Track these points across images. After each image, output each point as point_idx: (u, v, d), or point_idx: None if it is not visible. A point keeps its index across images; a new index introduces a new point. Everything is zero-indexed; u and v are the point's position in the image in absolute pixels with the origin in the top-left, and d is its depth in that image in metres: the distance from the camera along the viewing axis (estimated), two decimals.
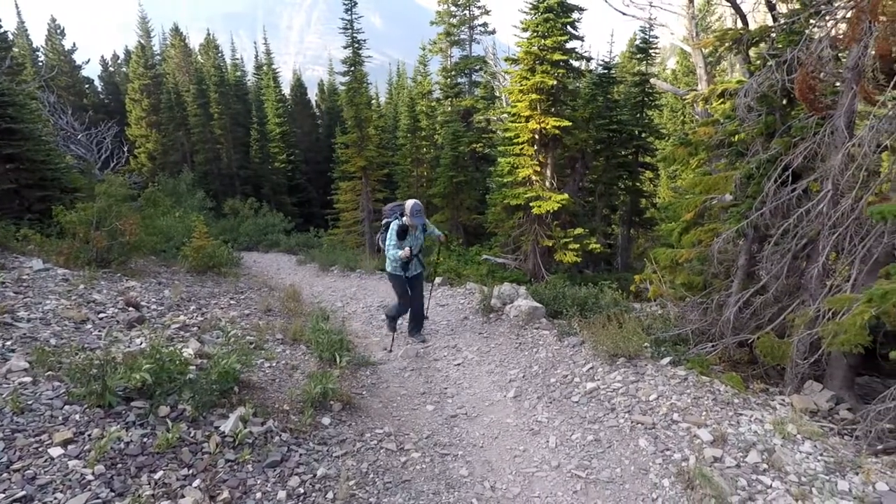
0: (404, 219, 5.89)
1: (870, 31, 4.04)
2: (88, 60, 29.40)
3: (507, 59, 13.46)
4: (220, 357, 3.84)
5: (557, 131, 11.85)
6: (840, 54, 4.72)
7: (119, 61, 37.32)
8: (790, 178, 4.86)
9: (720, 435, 3.65)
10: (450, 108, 22.28)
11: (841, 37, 4.39)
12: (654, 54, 16.31)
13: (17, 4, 28.07)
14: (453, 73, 22.14)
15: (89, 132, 19.29)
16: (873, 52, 4.15)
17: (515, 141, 12.33)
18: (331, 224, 22.61)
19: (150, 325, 5.21)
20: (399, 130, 25.62)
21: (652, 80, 15.79)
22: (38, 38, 29.28)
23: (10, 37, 21.17)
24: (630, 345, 5.08)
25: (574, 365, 5.27)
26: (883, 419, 3.71)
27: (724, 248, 5.54)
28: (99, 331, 4.69)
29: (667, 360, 5.10)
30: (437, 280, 9.32)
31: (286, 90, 36.78)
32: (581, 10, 11.99)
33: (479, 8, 21.66)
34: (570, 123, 11.95)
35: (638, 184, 16.61)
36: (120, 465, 2.82)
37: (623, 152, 16.15)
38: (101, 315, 5.16)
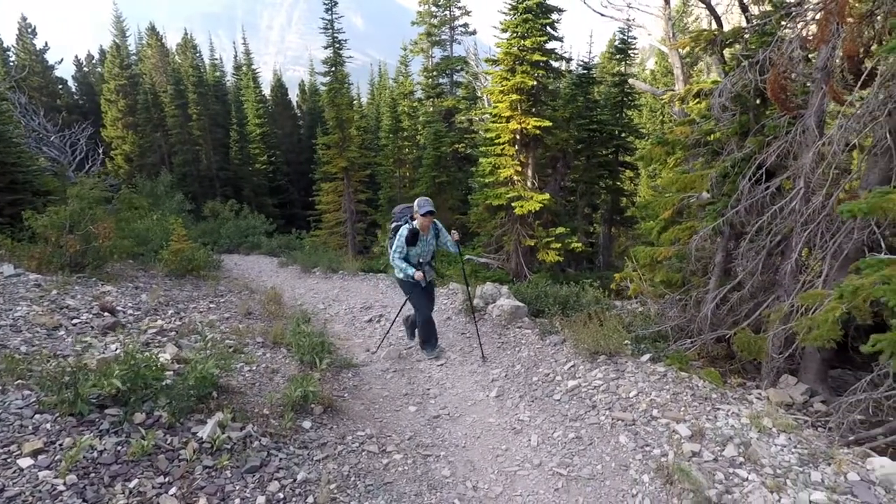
0: (414, 222, 5.40)
1: (837, 33, 4.14)
2: (61, 60, 28.80)
3: (487, 60, 13.51)
4: (197, 362, 3.78)
5: (538, 131, 11.93)
6: (810, 55, 4.83)
7: (94, 61, 36.55)
8: (764, 177, 4.96)
9: (698, 430, 3.70)
10: (432, 109, 22.32)
11: (810, 38, 4.49)
12: (632, 55, 16.53)
13: None
14: (435, 73, 22.17)
15: (63, 134, 18.84)
16: (841, 53, 4.25)
17: (497, 141, 12.39)
18: (313, 225, 22.47)
19: (126, 330, 5.10)
20: (381, 131, 25.56)
21: (630, 81, 16.00)
22: (9, 37, 28.65)
23: None
24: (611, 342, 5.13)
25: (556, 363, 5.30)
26: (854, 411, 3.81)
27: (701, 245, 5.63)
28: (72, 337, 4.58)
29: (647, 356, 5.16)
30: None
31: (266, 91, 36.45)
32: (560, 10, 12.09)
33: (459, 8, 21.72)
34: (551, 123, 12.04)
35: (618, 183, 16.81)
36: (93, 475, 2.75)
37: (603, 152, 16.34)
38: (75, 321, 5.04)
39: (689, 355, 5.29)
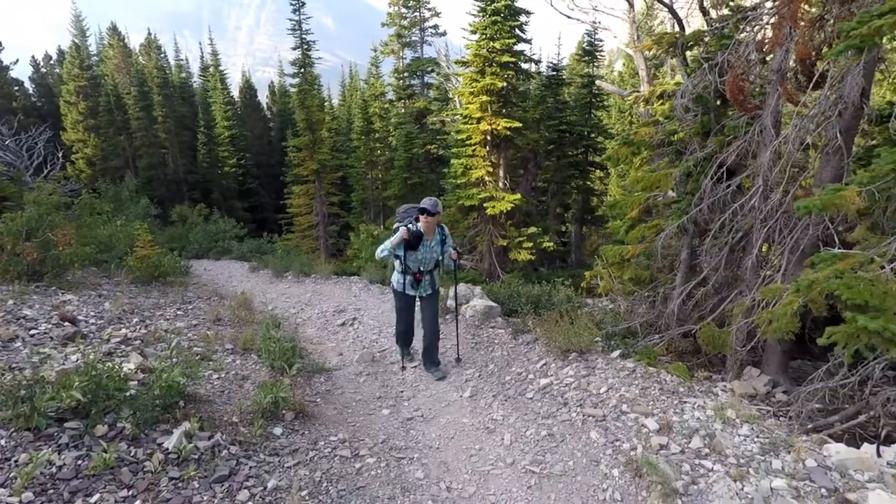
0: (419, 224, 4.77)
1: (791, 37, 4.30)
2: (17, 60, 27.61)
3: (457, 62, 13.58)
4: (162, 370, 3.68)
5: (508, 132, 12.03)
6: (766, 58, 5.01)
7: (52, 62, 35.19)
8: (725, 175, 5.11)
9: (666, 423, 3.79)
10: (403, 110, 22.27)
11: (766, 41, 4.65)
12: (600, 57, 16.83)
13: None
14: (406, 74, 22.14)
15: (19, 137, 18.08)
16: (794, 56, 4.41)
17: (468, 142, 12.44)
18: (285, 229, 22.15)
19: (88, 340, 4.94)
20: (353, 133, 25.37)
21: (598, 82, 16.29)
22: None
23: None
24: (582, 340, 5.20)
25: (528, 362, 5.34)
26: (812, 400, 3.96)
27: (667, 242, 5.77)
28: (29, 349, 4.40)
29: (617, 353, 5.26)
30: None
31: (235, 92, 35.81)
32: (528, 13, 12.22)
33: (429, 10, 21.76)
34: (521, 124, 12.17)
35: (589, 182, 17.09)
36: (51, 491, 2.65)
37: (573, 152, 16.59)
38: (33, 332, 4.85)
39: (657, 351, 5.41)
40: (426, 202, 4.71)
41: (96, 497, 2.69)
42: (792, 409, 4.03)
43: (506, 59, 11.88)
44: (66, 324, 5.24)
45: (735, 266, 5.31)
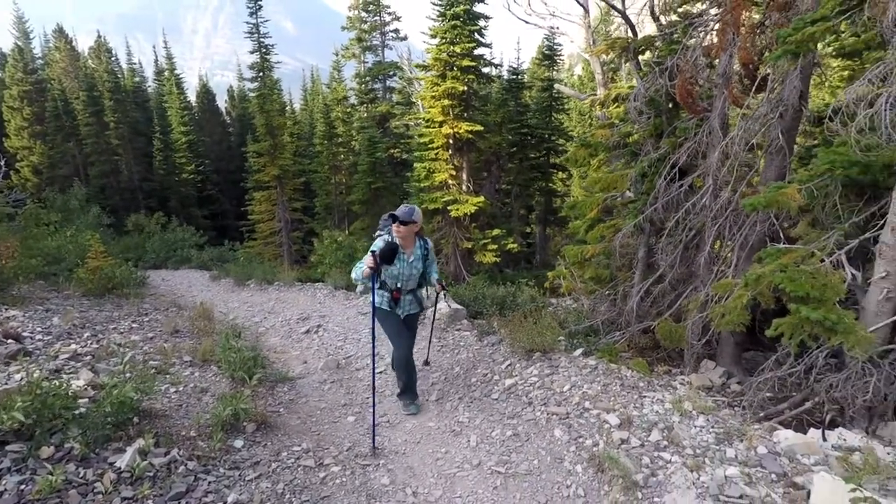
0: (394, 235, 4.09)
1: (734, 42, 4.49)
2: None
3: (418, 66, 13.61)
4: (114, 386, 3.53)
5: (470, 135, 12.13)
6: (713, 62, 5.21)
7: None
8: (678, 175, 5.28)
9: (626, 418, 3.88)
10: (366, 114, 22.13)
11: (712, 47, 4.84)
12: (559, 61, 17.16)
13: None
14: (368, 78, 22.02)
15: None
16: (738, 61, 4.61)
17: (431, 146, 12.48)
18: (246, 236, 21.67)
19: (34, 357, 4.70)
20: (315, 137, 25.04)
21: (557, 86, 16.59)
22: None
23: None
24: (545, 339, 5.28)
25: (493, 363, 5.38)
26: (764, 389, 4.13)
27: (625, 242, 5.91)
28: None
29: (579, 351, 5.36)
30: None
31: (193, 97, 34.82)
32: (487, 17, 12.37)
33: (389, 14, 21.73)
34: (483, 128, 12.29)
35: (551, 184, 17.38)
36: None
37: (535, 154, 16.84)
38: None
39: (618, 347, 5.54)
40: (399, 209, 4.09)
41: None
42: (745, 398, 4.19)
43: (466, 63, 11.99)
44: (10, 341, 4.96)
45: (690, 263, 5.48)
